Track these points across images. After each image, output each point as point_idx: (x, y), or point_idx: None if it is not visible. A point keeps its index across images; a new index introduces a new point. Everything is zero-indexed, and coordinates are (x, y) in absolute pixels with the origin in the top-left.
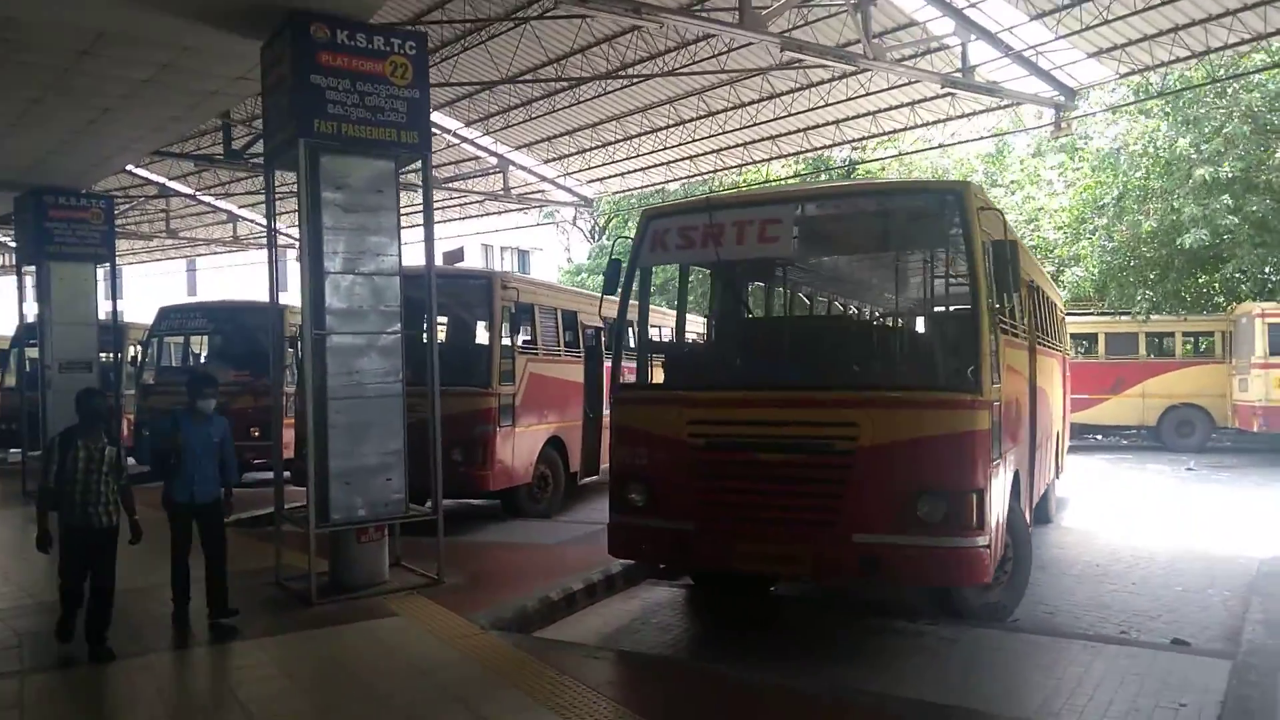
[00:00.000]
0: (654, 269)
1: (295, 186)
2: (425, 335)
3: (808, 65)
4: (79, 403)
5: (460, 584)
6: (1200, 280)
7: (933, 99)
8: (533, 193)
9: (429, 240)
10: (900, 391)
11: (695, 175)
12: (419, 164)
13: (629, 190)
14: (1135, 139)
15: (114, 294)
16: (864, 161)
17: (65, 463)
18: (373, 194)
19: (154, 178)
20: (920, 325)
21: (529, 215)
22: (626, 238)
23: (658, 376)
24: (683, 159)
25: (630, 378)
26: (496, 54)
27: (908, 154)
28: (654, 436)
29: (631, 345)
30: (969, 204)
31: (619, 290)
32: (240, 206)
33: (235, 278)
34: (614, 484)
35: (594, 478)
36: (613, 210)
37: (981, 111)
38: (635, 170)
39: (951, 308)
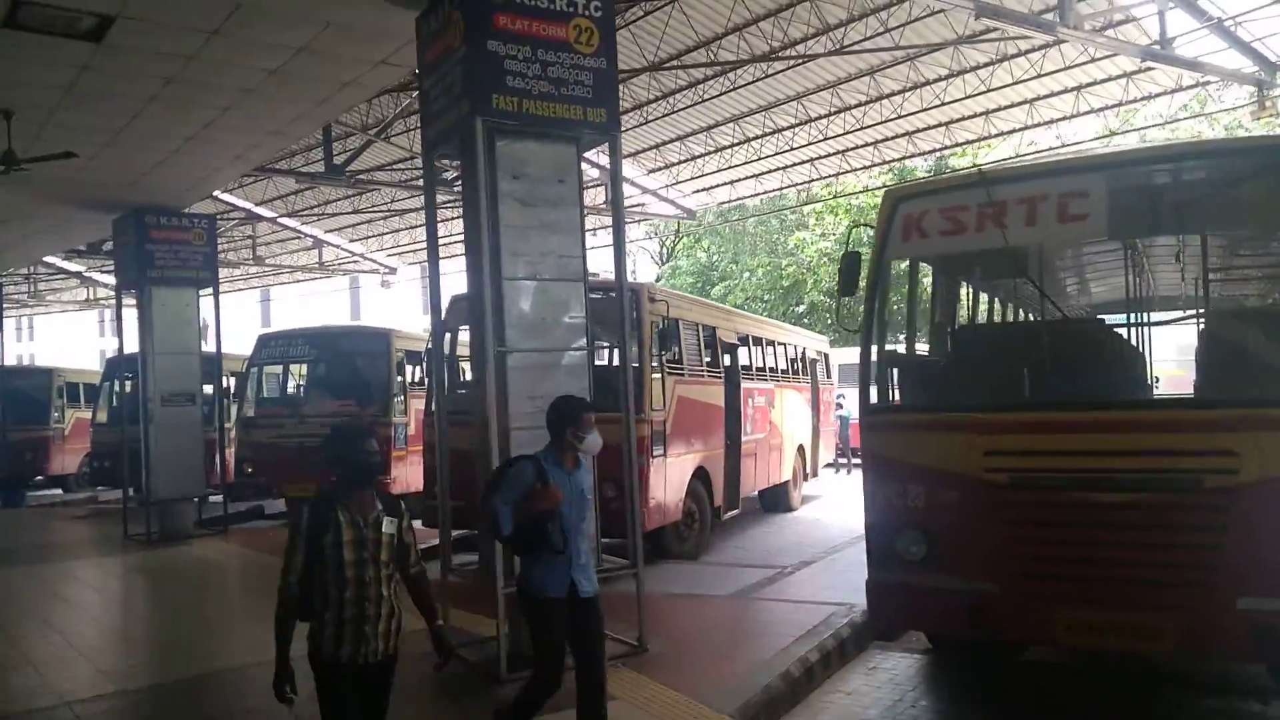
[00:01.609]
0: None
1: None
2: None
3: (991, 39)
4: (338, 448)
5: (665, 651)
6: None
7: (1103, 81)
8: (632, 206)
9: (619, 244)
10: None
11: (816, 179)
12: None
13: (738, 199)
14: None
15: (217, 319)
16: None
17: (317, 550)
18: (554, 184)
19: (238, 202)
20: None
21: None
22: (864, 225)
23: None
24: (802, 162)
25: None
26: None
27: (1025, 155)
28: (931, 472)
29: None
30: None
31: (861, 290)
32: (327, 231)
33: (310, 306)
34: (874, 533)
35: (735, 513)
36: (686, 230)
37: (1160, 94)
38: (748, 177)
39: None
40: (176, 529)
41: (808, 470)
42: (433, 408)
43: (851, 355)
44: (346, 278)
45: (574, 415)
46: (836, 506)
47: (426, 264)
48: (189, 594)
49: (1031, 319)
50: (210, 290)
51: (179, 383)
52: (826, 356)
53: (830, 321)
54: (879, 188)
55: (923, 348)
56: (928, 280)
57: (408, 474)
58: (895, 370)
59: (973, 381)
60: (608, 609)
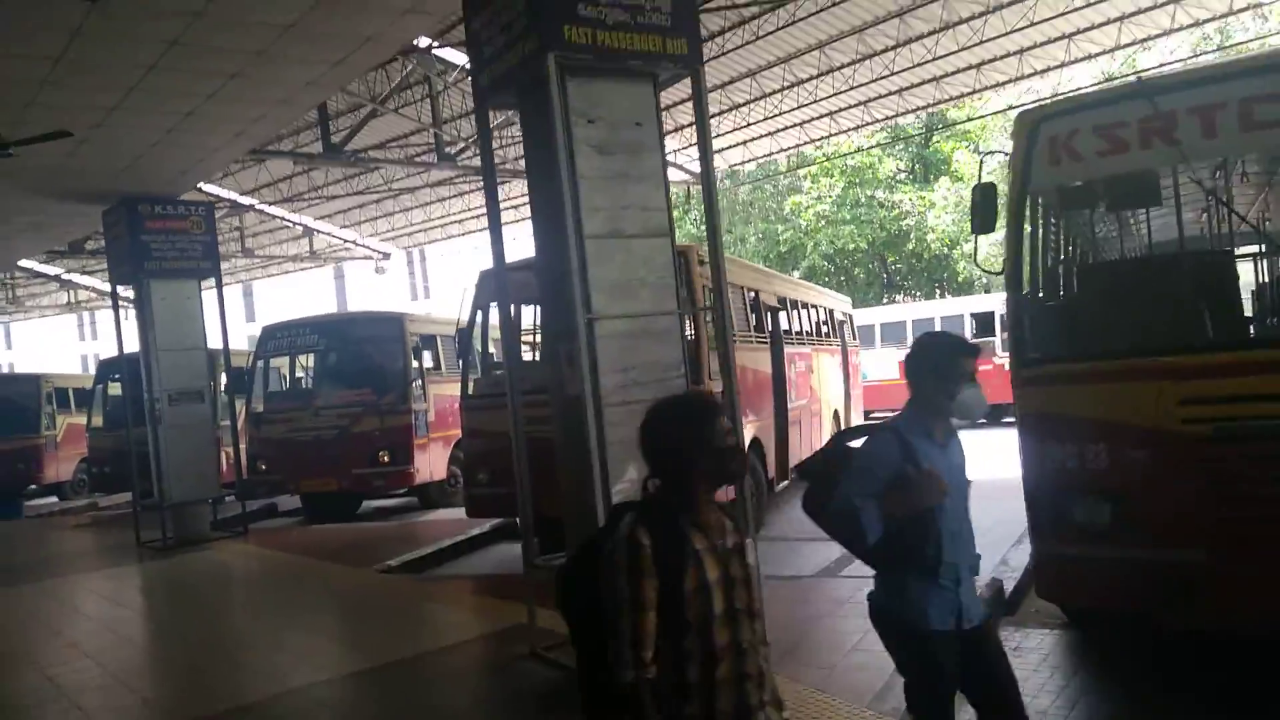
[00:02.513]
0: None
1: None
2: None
3: None
4: (678, 430)
5: (782, 642)
6: None
7: (1046, 44)
8: None
9: (708, 180)
10: None
11: (806, 142)
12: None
13: (754, 159)
14: None
15: (222, 311)
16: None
17: (676, 601)
18: (631, 128)
19: (223, 193)
20: None
21: None
22: (997, 151)
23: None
24: (790, 126)
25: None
26: None
27: (1015, 108)
28: (1112, 427)
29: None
30: None
31: (999, 225)
32: (316, 219)
33: (295, 298)
34: (1041, 502)
35: (785, 484)
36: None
37: (1159, 35)
38: (763, 135)
39: None
40: (193, 533)
41: None
42: (470, 391)
43: (869, 316)
44: (330, 267)
45: (949, 361)
46: None
47: (421, 248)
48: (221, 603)
49: (1200, 250)
50: (212, 281)
51: (186, 380)
52: (850, 318)
53: (828, 283)
54: (872, 147)
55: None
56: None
57: (431, 462)
58: (1048, 315)
59: (1151, 322)
60: None
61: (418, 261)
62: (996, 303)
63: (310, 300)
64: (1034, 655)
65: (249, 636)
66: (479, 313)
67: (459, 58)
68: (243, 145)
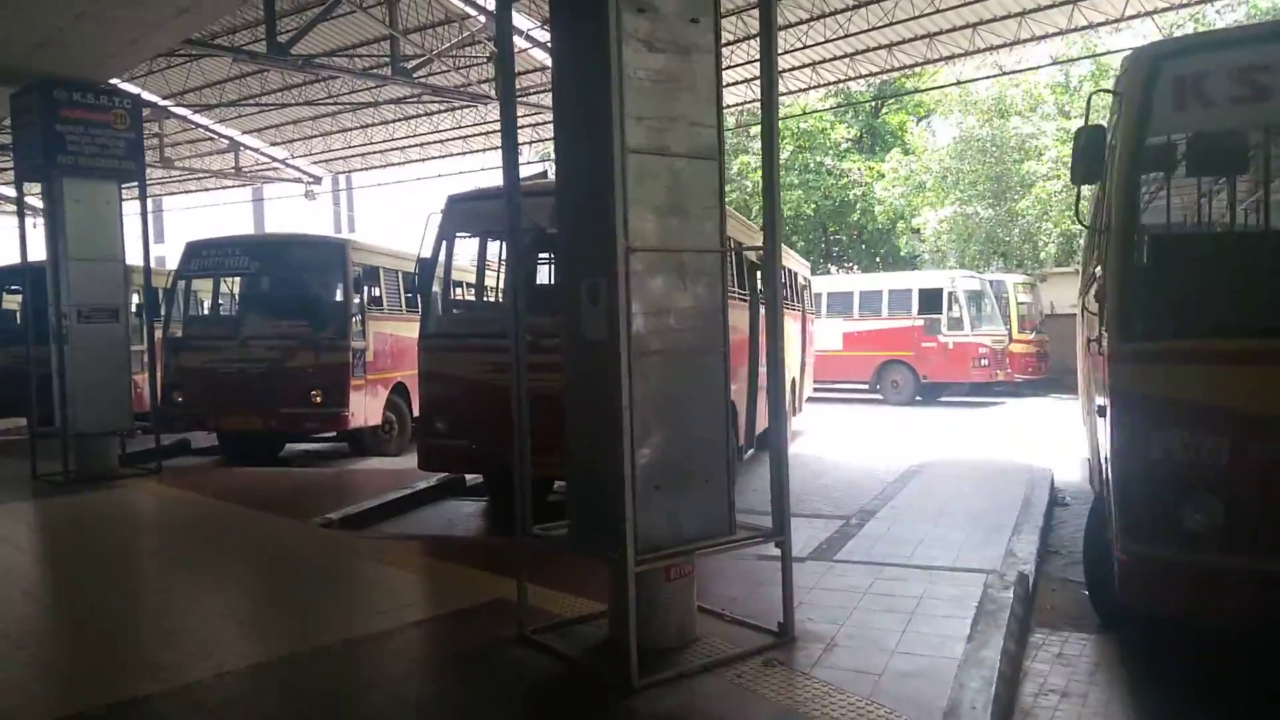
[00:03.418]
0: None
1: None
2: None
3: None
4: None
5: (815, 634)
6: None
7: (1003, 18)
8: None
9: (769, 101)
10: None
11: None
12: None
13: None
14: None
15: (144, 218)
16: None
17: None
18: (685, 24)
19: (144, 94)
20: None
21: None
22: (1105, 90)
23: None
24: (738, 82)
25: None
26: None
27: (966, 82)
28: (1236, 416)
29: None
30: None
31: (1102, 179)
32: (244, 133)
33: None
34: (1135, 496)
35: (751, 452)
36: None
37: (1054, 34)
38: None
39: None
40: (100, 468)
41: (798, 405)
42: (431, 329)
43: (834, 284)
44: (247, 189)
45: None
46: (823, 443)
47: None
48: (136, 555)
49: None
50: (135, 185)
51: (99, 295)
52: (810, 283)
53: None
54: (823, 110)
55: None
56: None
57: (366, 406)
58: (1165, 285)
59: None
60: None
61: (343, 190)
62: (944, 279)
63: (226, 223)
64: (1083, 663)
65: (172, 599)
66: (444, 243)
67: None
68: (185, 26)
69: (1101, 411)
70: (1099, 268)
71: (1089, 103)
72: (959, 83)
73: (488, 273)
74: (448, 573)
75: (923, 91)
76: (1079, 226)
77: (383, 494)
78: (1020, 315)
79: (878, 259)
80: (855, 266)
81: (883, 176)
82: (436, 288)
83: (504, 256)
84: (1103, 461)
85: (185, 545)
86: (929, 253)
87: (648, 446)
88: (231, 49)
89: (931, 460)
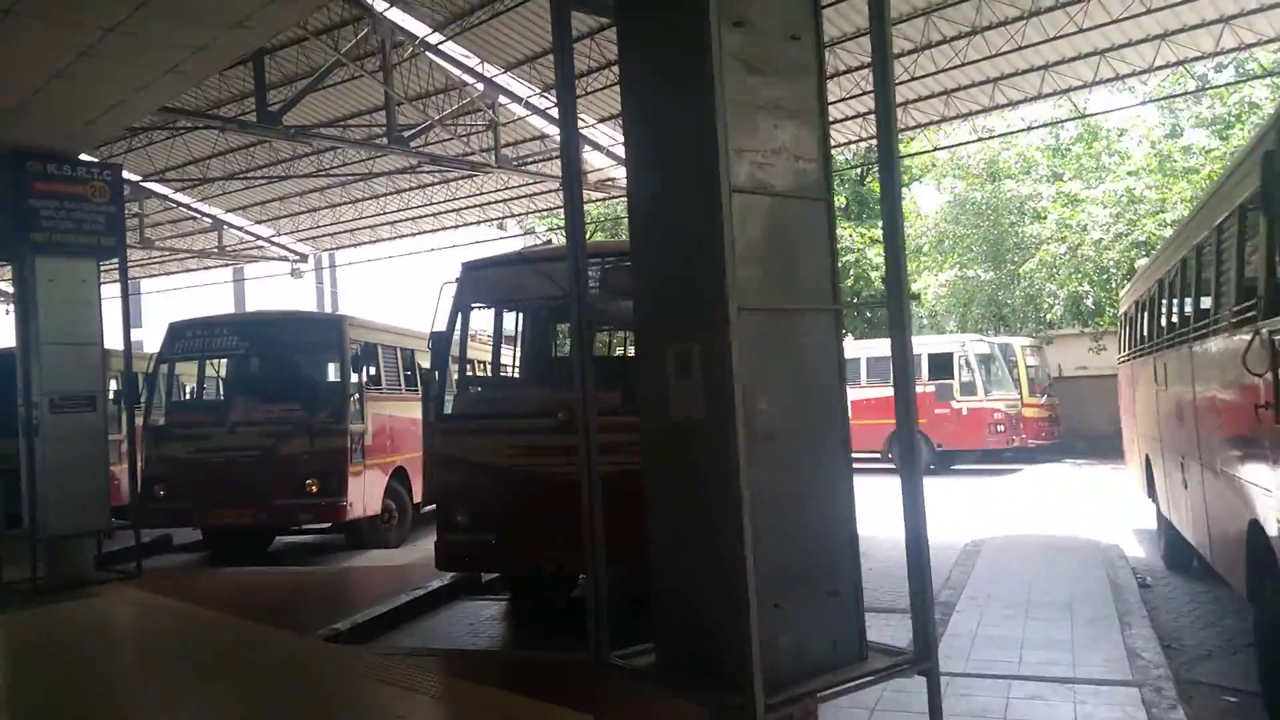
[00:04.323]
0: None
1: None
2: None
3: None
4: None
5: None
6: None
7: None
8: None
9: (888, 126)
10: None
11: None
12: None
13: None
14: None
15: (125, 295)
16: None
17: None
18: (786, 42)
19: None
20: None
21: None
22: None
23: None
24: None
25: None
26: None
27: (951, 146)
28: None
29: None
30: None
31: None
32: (227, 211)
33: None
34: None
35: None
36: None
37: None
38: None
39: None
40: (73, 573)
41: None
42: (448, 410)
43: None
44: (228, 270)
45: None
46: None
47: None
48: (111, 680)
49: None
50: (115, 262)
51: (76, 382)
52: None
53: None
54: None
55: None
56: None
57: (365, 495)
58: None
59: None
60: None
61: (327, 268)
62: (954, 343)
63: (206, 305)
64: None
65: None
66: (459, 315)
67: (418, 27)
68: (169, 89)
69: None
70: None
71: (1277, 119)
72: (940, 148)
73: (505, 346)
74: (488, 702)
75: (909, 157)
76: (1086, 287)
77: (392, 596)
78: (1030, 379)
79: (868, 324)
80: (850, 334)
81: (876, 242)
82: (453, 364)
83: (521, 327)
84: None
85: (169, 668)
86: (926, 317)
87: (761, 553)
88: (220, 118)
89: (985, 537)
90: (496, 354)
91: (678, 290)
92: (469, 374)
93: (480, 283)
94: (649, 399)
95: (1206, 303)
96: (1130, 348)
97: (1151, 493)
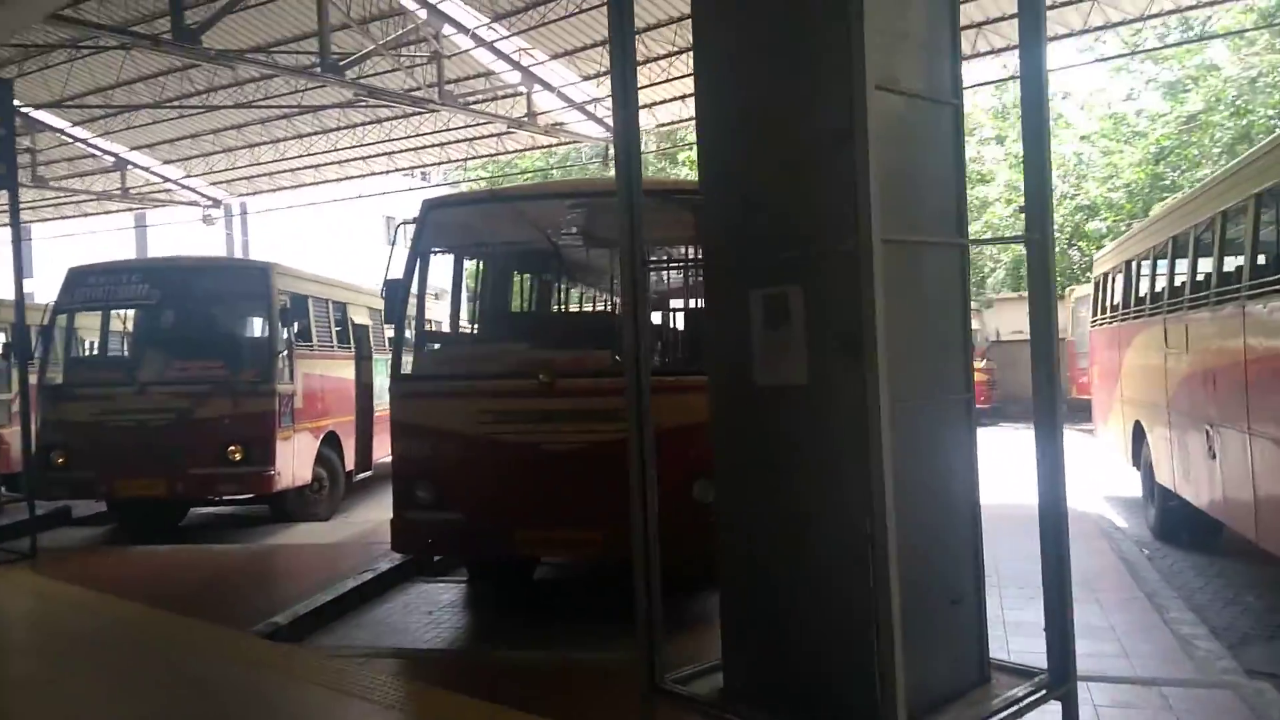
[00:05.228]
0: None
1: None
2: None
3: None
4: None
5: None
6: None
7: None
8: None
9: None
10: None
11: None
12: None
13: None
14: None
15: (16, 236)
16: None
17: None
18: None
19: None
20: None
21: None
22: None
23: None
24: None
25: None
26: None
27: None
28: None
29: None
30: None
31: None
32: (131, 149)
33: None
34: None
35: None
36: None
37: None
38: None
39: None
40: None
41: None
42: (408, 370)
43: None
44: (133, 215)
45: None
46: None
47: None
48: (13, 687)
49: None
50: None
51: None
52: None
53: None
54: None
55: None
56: None
57: (295, 463)
58: None
59: None
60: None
61: (238, 215)
62: None
63: (104, 253)
64: None
65: None
66: (418, 260)
67: None
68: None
69: None
70: None
71: None
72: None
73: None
74: (473, 716)
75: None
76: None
77: (335, 582)
78: None
79: None
80: None
81: None
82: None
83: (490, 275)
84: None
85: (73, 674)
86: None
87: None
88: (128, 32)
89: None
90: (456, 306)
91: (767, 223)
92: (430, 329)
93: (443, 224)
94: (720, 359)
95: (1263, 260)
96: (1114, 311)
97: (1137, 461)
